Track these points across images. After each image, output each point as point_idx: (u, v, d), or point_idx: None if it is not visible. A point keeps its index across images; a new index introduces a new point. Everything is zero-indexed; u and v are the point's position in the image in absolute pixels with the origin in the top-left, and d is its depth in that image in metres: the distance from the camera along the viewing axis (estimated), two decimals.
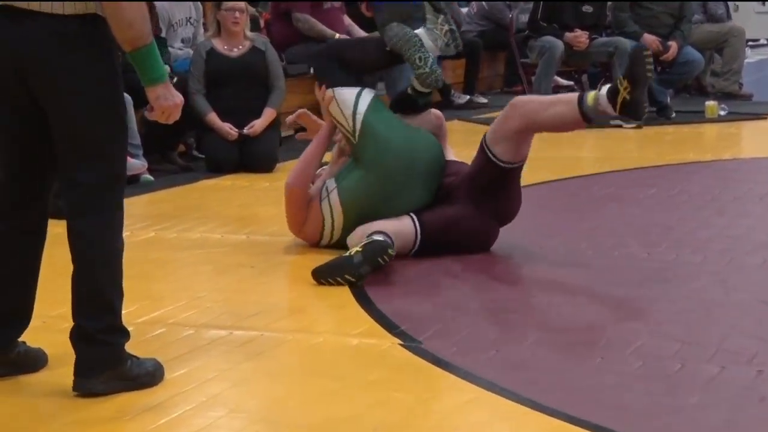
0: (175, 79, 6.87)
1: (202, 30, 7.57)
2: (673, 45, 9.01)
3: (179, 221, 5.30)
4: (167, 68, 6.79)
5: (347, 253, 4.10)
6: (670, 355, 3.21)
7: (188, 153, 7.40)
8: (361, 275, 4.03)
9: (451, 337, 3.43)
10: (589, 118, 4.24)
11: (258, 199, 5.97)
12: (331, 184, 4.57)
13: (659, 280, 4.10)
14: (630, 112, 4.17)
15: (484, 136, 4.45)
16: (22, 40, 2.89)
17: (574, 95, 4.31)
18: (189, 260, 4.59)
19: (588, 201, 5.64)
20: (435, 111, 4.83)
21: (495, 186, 4.42)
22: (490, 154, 4.38)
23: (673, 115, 8.92)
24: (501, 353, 3.29)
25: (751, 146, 8.13)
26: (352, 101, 4.53)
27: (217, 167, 6.76)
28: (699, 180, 6.37)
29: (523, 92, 9.02)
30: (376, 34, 4.84)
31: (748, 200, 5.68)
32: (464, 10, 11.57)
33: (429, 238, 4.41)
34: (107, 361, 2.98)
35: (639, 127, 8.55)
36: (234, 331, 3.53)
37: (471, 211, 4.44)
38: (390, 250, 4.08)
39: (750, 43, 15.63)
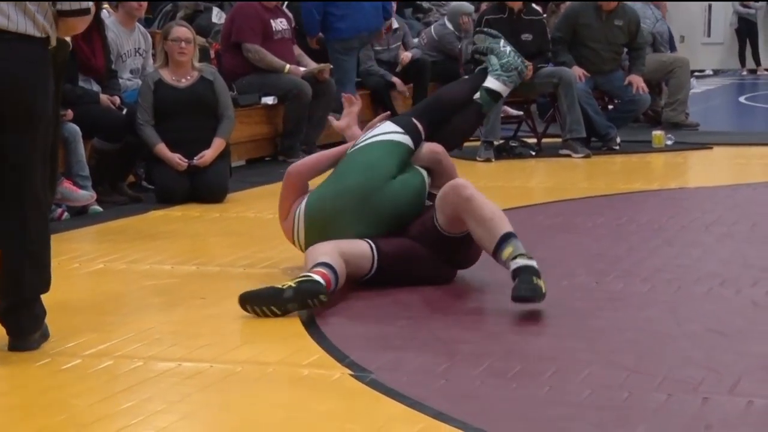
0: (124, 111, 6.87)
1: (151, 61, 7.55)
2: (635, 78, 9.15)
3: (128, 252, 5.27)
4: (117, 99, 6.87)
5: (281, 285, 4.07)
6: (618, 384, 3.24)
7: (138, 184, 7.36)
8: (287, 310, 4.02)
9: (402, 367, 3.43)
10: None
11: (208, 230, 5.95)
12: (303, 202, 4.62)
13: (608, 310, 4.13)
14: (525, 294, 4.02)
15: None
16: None
17: (502, 230, 4.15)
18: (138, 292, 4.56)
19: (537, 230, 5.68)
20: (431, 145, 4.72)
21: (444, 245, 4.43)
22: (435, 219, 4.41)
23: (618, 146, 9.02)
24: (451, 383, 3.30)
25: (697, 176, 8.24)
26: (391, 129, 4.64)
27: (167, 198, 6.73)
28: (647, 209, 6.44)
29: None
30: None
31: (694, 229, 5.75)
32: (415, 40, 11.64)
33: (385, 266, 4.42)
34: (40, 318, 3.61)
35: (588, 156, 8.64)
36: (183, 362, 3.51)
37: (427, 253, 4.46)
38: (322, 296, 4.03)
39: (696, 73, 15.86)
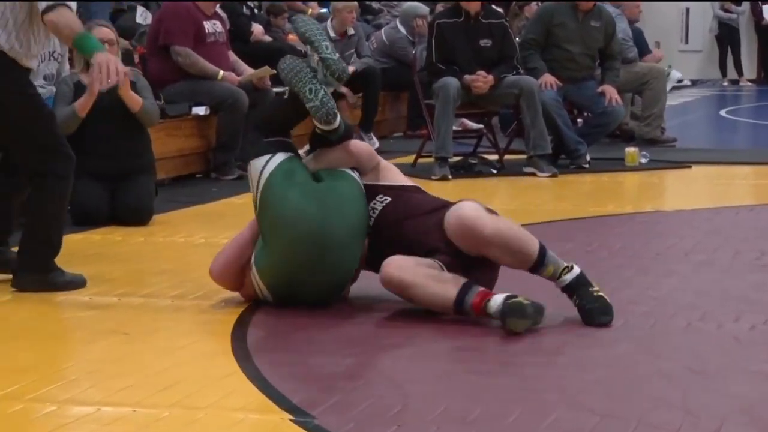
0: None
1: (67, 66, 7.51)
2: (608, 88, 9.23)
3: None
4: None
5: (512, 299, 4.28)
6: (588, 430, 3.26)
7: None
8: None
9: (349, 410, 3.44)
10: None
11: (132, 256, 5.92)
12: (252, 258, 4.62)
13: (576, 346, 4.16)
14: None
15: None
16: None
17: (535, 248, 4.41)
18: (51, 326, 4.53)
19: None
20: (354, 144, 4.80)
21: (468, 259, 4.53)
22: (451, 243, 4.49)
23: (587, 164, 9.09)
24: (404, 428, 3.30)
25: (674, 197, 8.33)
26: (260, 169, 4.58)
27: (85, 219, 6.68)
28: (619, 234, 6.49)
29: (429, 136, 9.12)
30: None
31: (672, 257, 5.81)
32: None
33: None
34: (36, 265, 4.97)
35: (554, 175, 8.70)
36: (102, 407, 3.48)
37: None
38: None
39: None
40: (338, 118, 4.63)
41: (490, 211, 4.52)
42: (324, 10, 13.19)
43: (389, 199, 4.72)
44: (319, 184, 4.61)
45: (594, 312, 4.37)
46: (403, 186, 4.82)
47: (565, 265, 4.46)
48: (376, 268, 4.58)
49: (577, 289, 4.43)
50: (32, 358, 4.07)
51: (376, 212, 4.70)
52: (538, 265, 4.43)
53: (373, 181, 4.79)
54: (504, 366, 3.94)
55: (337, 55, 4.72)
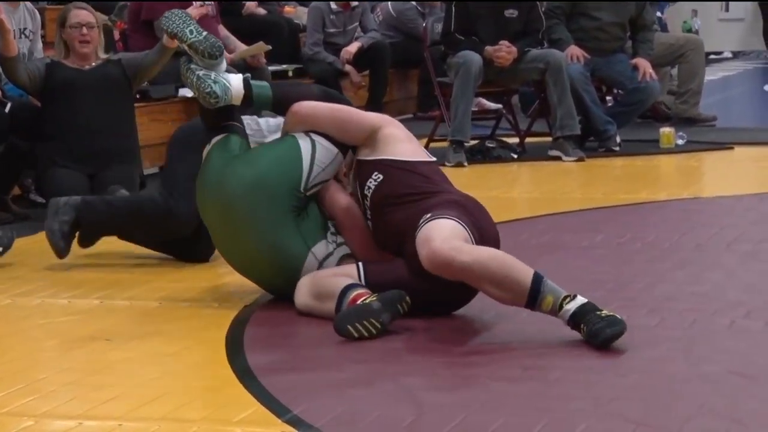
0: (7, 107, 6.83)
1: (40, 45, 7.53)
2: (641, 61, 9.20)
3: (14, 283, 5.26)
4: None
5: (362, 300, 4.32)
6: None
7: (25, 197, 7.32)
8: (383, 323, 4.27)
9: (357, 422, 3.44)
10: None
11: (114, 254, 5.92)
12: None
13: (607, 348, 4.16)
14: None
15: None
16: None
17: (525, 281, 4.18)
18: (27, 333, 4.55)
19: (521, 251, 5.67)
20: (300, 106, 4.80)
21: (439, 282, 4.38)
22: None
23: (618, 147, 9.07)
24: None
25: (714, 182, 8.32)
26: (203, 157, 4.87)
27: None
28: (654, 224, 6.50)
29: (442, 118, 9.12)
30: None
31: (713, 248, 5.81)
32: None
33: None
34: None
35: (581, 159, 8.70)
36: (85, 421, 3.49)
37: (419, 285, 4.43)
38: (408, 298, 4.34)
39: (711, 56, 16.05)
40: (229, 92, 4.73)
41: (472, 230, 4.41)
42: None
43: (381, 176, 4.67)
44: (237, 153, 4.77)
45: (600, 330, 4.06)
46: (395, 162, 4.66)
47: (566, 294, 4.18)
48: (391, 250, 4.66)
49: (584, 316, 4.12)
50: (5, 368, 4.08)
51: (371, 190, 4.68)
52: (534, 294, 4.17)
53: (372, 155, 4.71)
54: (527, 371, 3.94)
55: (204, 33, 4.79)
